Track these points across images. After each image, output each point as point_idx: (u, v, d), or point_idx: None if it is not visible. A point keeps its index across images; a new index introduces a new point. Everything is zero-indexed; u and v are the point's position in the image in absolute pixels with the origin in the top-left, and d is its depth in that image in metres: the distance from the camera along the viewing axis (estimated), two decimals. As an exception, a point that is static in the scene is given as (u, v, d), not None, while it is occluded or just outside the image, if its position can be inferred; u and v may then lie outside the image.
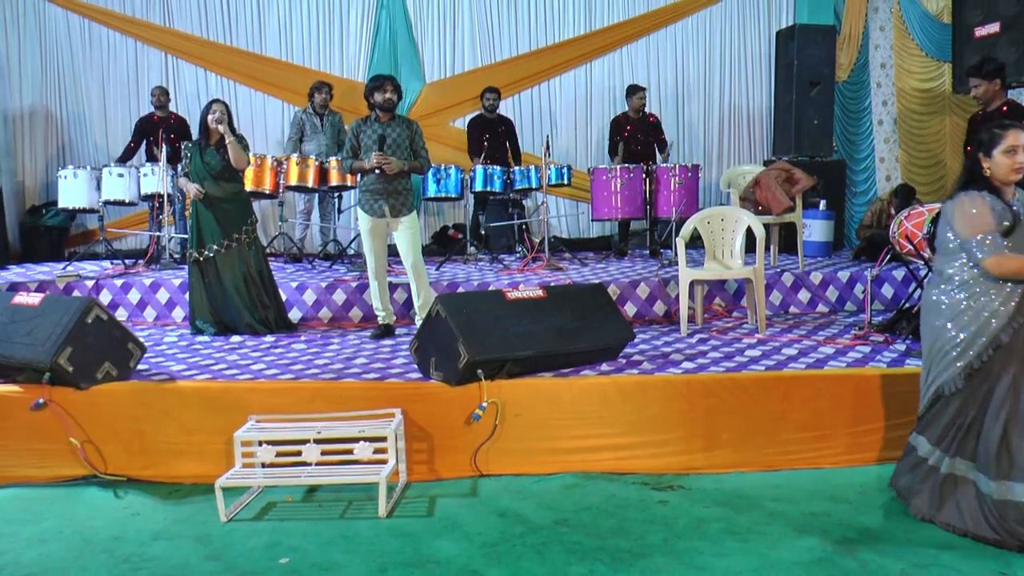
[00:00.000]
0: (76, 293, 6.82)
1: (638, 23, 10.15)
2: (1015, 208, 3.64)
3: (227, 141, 6.04)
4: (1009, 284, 3.61)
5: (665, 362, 5.20)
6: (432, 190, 8.18)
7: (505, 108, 9.29)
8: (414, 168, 6.06)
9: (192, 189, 6.13)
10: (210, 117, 6.10)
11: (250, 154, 6.47)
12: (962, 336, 3.68)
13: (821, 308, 7.09)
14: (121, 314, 6.84)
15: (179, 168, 6.77)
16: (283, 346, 5.83)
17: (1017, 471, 3.57)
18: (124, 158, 8.51)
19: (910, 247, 5.92)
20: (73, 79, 9.55)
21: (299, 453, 4.26)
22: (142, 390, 4.72)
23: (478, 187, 8.24)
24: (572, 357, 4.91)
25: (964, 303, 3.68)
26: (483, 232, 8.80)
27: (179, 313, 6.86)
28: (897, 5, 10.10)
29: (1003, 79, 5.88)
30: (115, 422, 4.62)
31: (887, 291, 7.12)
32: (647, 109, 9.27)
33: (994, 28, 7.21)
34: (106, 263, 8.07)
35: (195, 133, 8.35)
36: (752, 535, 3.82)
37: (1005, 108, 5.84)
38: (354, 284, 6.86)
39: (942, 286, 3.77)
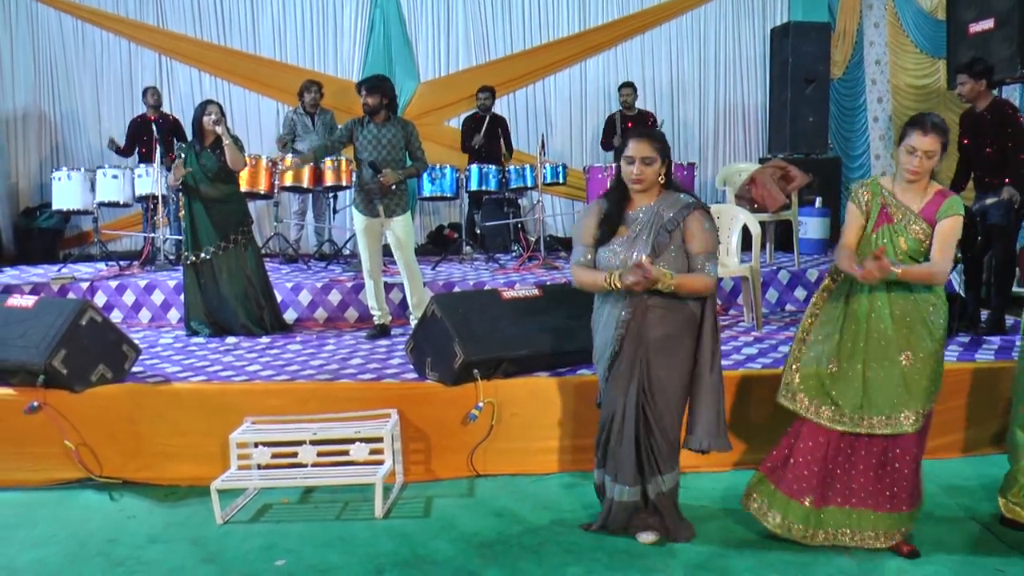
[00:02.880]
0: (71, 295, 6.80)
1: (632, 21, 10.15)
2: (639, 216, 3.56)
3: (224, 143, 6.01)
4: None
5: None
6: (427, 190, 8.16)
7: (500, 107, 9.28)
8: (410, 174, 6.02)
9: (171, 177, 6.04)
10: (206, 119, 6.05)
11: (246, 155, 6.44)
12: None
13: (817, 305, 7.07)
14: (116, 316, 6.82)
15: (171, 167, 6.70)
16: (279, 347, 5.82)
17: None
18: (119, 151, 8.44)
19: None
20: (66, 80, 9.54)
21: (295, 455, 4.25)
22: (137, 392, 4.70)
23: (473, 186, 8.23)
24: (568, 356, 4.89)
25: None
26: (478, 231, 8.78)
27: (174, 315, 6.84)
28: (891, 2, 10.09)
29: (990, 81, 5.89)
30: (110, 424, 4.60)
31: (883, 288, 7.11)
32: (644, 107, 9.27)
33: (988, 24, 7.21)
34: (101, 265, 8.05)
35: (189, 134, 8.35)
36: (749, 534, 3.81)
37: (991, 105, 5.84)
38: (349, 284, 6.84)
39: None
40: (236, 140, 6.13)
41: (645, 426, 3.58)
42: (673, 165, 7.98)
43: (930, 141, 3.42)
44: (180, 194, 6.28)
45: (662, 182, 3.59)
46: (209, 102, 6.17)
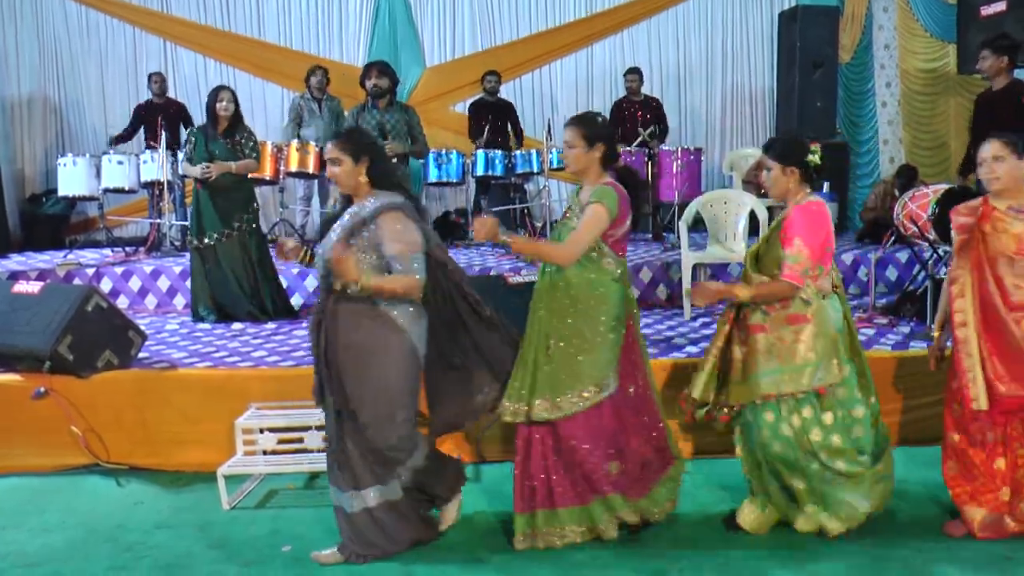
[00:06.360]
0: (76, 281, 6.80)
1: (639, 5, 10.06)
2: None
3: (236, 168, 6.06)
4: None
5: (668, 346, 5.19)
6: (433, 175, 8.13)
7: (506, 92, 9.22)
8: (414, 153, 6.02)
9: (196, 171, 6.04)
10: (218, 105, 6.04)
11: (258, 144, 6.40)
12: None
13: (825, 291, 7.04)
14: (122, 302, 6.81)
15: (181, 155, 6.69)
16: (284, 333, 5.81)
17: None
18: (120, 139, 8.43)
19: (914, 229, 5.87)
20: (71, 66, 9.50)
21: (301, 440, 4.24)
22: (143, 378, 4.71)
23: (479, 172, 8.20)
24: (575, 342, 4.86)
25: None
26: (484, 217, 8.74)
27: (180, 301, 6.84)
28: (901, -15, 10.01)
29: (1013, 59, 5.79)
30: (117, 410, 4.62)
31: (891, 273, 7.08)
32: (650, 92, 9.23)
33: (1000, 7, 7.14)
34: (106, 251, 8.04)
35: (197, 120, 8.32)
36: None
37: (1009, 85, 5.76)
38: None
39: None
40: (251, 135, 6.21)
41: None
42: (680, 150, 7.83)
43: (568, 133, 3.53)
44: (188, 179, 6.27)
45: (363, 180, 3.44)
46: (221, 88, 6.15)
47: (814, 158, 3.49)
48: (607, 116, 3.80)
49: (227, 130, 6.09)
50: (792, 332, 3.43)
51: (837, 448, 3.46)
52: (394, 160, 5.90)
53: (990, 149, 3.47)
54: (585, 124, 3.55)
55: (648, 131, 8.41)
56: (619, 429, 3.56)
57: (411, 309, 3.42)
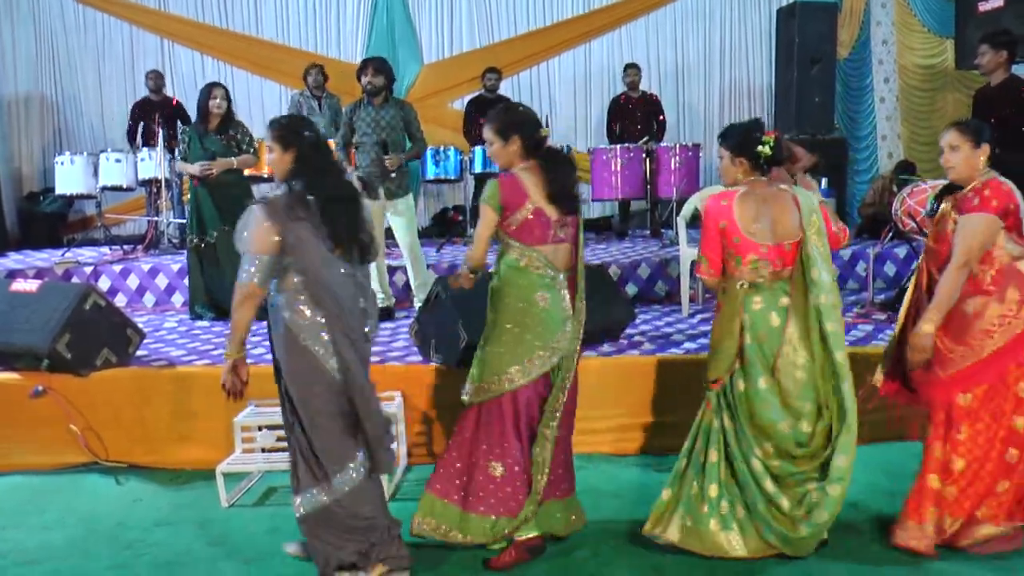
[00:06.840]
0: (74, 279, 6.79)
1: (638, 2, 10.04)
2: None
3: (237, 163, 6.07)
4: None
5: (667, 342, 5.18)
6: (431, 172, 8.13)
7: (504, 89, 9.21)
8: (412, 156, 6.03)
9: (195, 168, 6.02)
10: (211, 102, 6.02)
11: (254, 139, 6.40)
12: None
13: (823, 287, 7.03)
14: (120, 300, 6.81)
15: (176, 153, 6.70)
16: (283, 330, 5.79)
17: None
18: (134, 142, 8.44)
19: (912, 224, 5.88)
20: (68, 64, 9.50)
21: (300, 438, 4.23)
22: (142, 376, 4.71)
23: (478, 168, 8.19)
24: (573, 339, 4.86)
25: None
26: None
27: (178, 298, 6.84)
28: (898, -20, 10.01)
29: (1012, 53, 5.77)
30: (115, 408, 4.62)
31: (889, 269, 7.08)
32: (648, 88, 9.22)
33: (998, 2, 7.14)
34: (104, 249, 8.03)
35: (193, 117, 8.31)
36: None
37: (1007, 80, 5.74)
38: (354, 267, 6.82)
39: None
40: (245, 130, 6.20)
41: None
42: (678, 146, 7.72)
43: (484, 131, 3.52)
44: (184, 177, 6.26)
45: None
46: (214, 85, 6.13)
47: (764, 149, 3.46)
48: (527, 105, 3.73)
49: (220, 127, 6.08)
50: (713, 321, 3.57)
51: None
52: (393, 175, 5.90)
53: (947, 138, 3.50)
54: (496, 118, 3.48)
55: (643, 140, 8.40)
56: (511, 432, 3.39)
57: (296, 317, 3.35)
